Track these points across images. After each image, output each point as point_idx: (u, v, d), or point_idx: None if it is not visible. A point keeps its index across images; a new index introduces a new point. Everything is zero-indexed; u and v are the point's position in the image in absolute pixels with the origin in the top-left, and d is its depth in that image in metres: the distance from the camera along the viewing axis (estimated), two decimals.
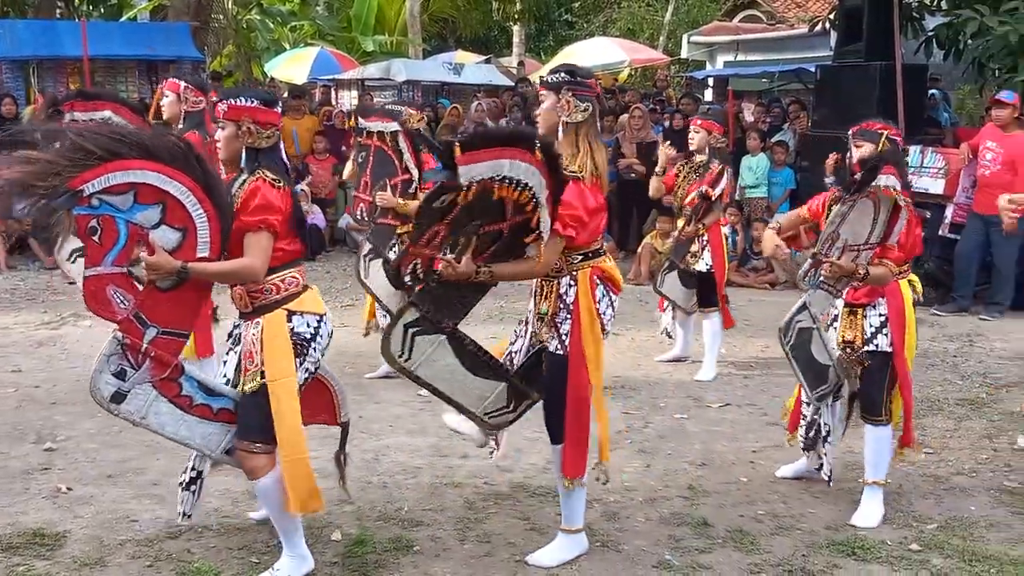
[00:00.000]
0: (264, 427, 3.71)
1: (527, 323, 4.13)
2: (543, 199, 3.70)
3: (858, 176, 4.20)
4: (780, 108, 13.24)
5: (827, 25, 12.67)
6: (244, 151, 3.79)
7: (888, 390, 4.56)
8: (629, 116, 11.90)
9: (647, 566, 4.07)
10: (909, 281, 4.59)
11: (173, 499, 4.16)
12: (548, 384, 4.03)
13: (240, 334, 3.87)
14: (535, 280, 4.06)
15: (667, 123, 12.15)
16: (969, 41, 10.01)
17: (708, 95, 16.77)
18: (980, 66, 10.47)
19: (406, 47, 21.13)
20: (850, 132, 4.71)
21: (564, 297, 3.95)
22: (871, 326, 4.53)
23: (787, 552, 4.20)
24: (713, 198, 6.80)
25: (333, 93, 15.94)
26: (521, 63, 20.84)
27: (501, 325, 7.86)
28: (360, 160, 6.35)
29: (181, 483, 4.00)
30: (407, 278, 3.83)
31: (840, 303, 4.61)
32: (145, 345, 3.60)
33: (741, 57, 19.16)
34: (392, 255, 6.32)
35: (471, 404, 4.03)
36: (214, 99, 4.44)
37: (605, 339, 4.04)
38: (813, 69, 12.69)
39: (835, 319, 4.65)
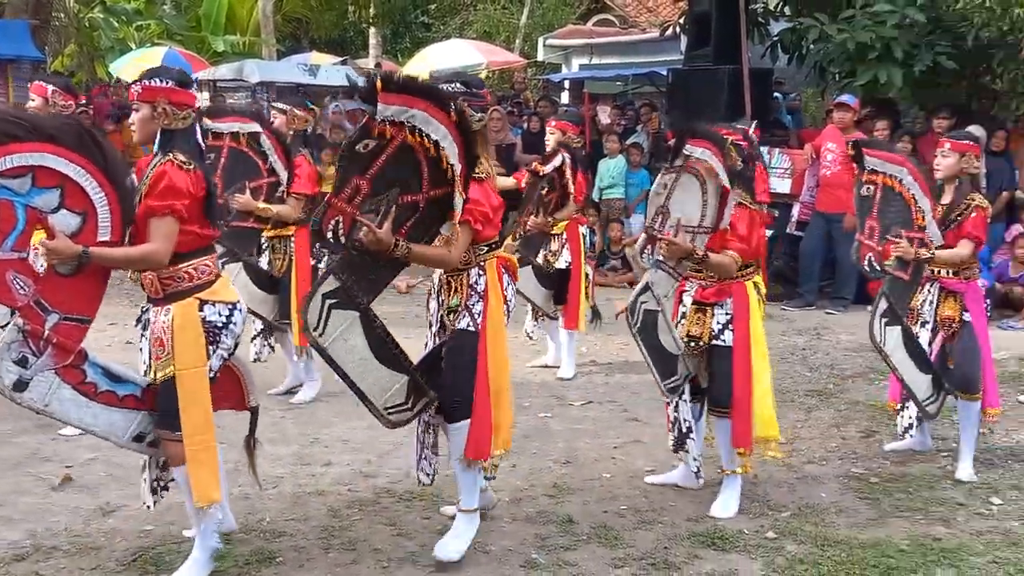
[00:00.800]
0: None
1: (430, 325, 4.21)
2: (458, 171, 3.80)
3: (670, 143, 4.42)
4: (634, 111, 13.55)
5: (677, 30, 13.02)
6: (159, 133, 3.72)
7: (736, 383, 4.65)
8: (488, 118, 11.91)
9: (515, 566, 4.09)
10: (755, 283, 4.69)
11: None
12: (456, 361, 4.06)
13: (149, 320, 3.79)
14: (439, 280, 4.15)
15: (525, 125, 12.27)
16: (811, 46, 10.45)
17: (565, 97, 17.01)
18: (821, 70, 10.95)
19: (259, 47, 20.72)
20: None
21: (475, 286, 4.09)
22: (718, 323, 4.64)
23: (650, 545, 4.29)
24: (542, 174, 6.70)
25: None
26: (378, 64, 20.67)
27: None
28: (209, 162, 6.15)
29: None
30: (329, 234, 3.81)
31: (689, 300, 4.73)
32: (47, 332, 3.53)
33: (596, 60, 19.51)
34: (263, 259, 6.17)
35: (374, 395, 4.02)
36: (83, 103, 4.37)
37: (508, 321, 4.25)
38: (665, 73, 13.02)
39: (683, 316, 4.74)
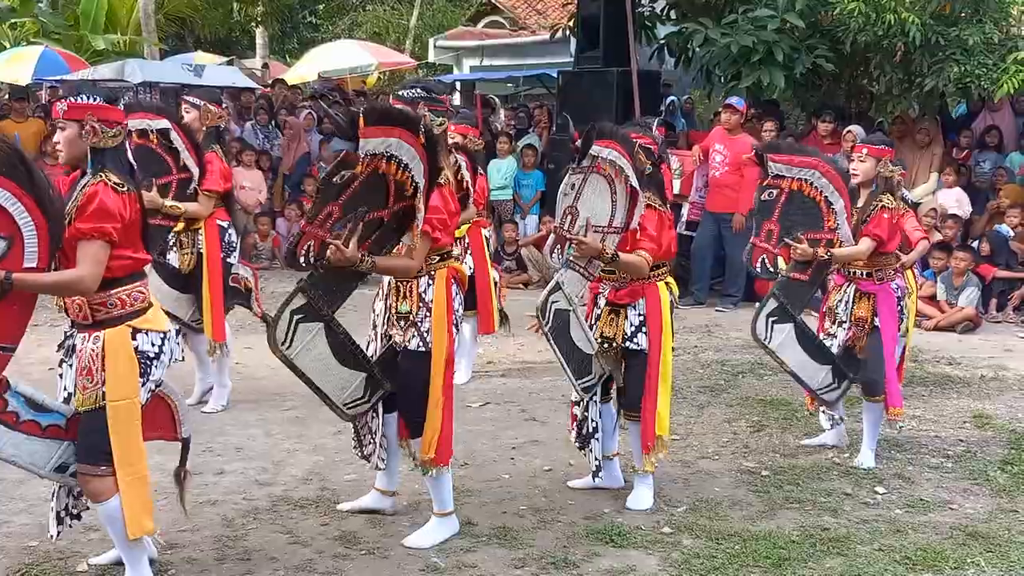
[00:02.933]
0: (109, 449, 3.55)
1: (375, 326, 4.33)
2: (422, 185, 3.96)
3: (577, 143, 4.49)
4: (525, 112, 13.62)
5: (567, 32, 13.15)
6: (89, 152, 3.57)
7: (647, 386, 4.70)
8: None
9: (414, 570, 4.07)
10: (667, 284, 4.76)
11: None
12: (408, 381, 4.21)
13: (74, 345, 3.64)
14: (388, 284, 4.27)
15: None
16: (697, 49, 10.67)
17: (456, 99, 17.01)
18: (708, 73, 11.19)
19: (141, 47, 20.17)
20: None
21: (423, 296, 4.19)
22: (631, 325, 4.69)
23: (549, 544, 4.32)
24: None
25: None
26: (265, 65, 20.36)
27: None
28: None
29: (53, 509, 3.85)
30: (301, 259, 3.95)
31: (603, 301, 4.77)
32: None
33: (487, 62, 19.56)
34: (171, 256, 5.95)
35: (333, 393, 4.20)
36: None
37: (456, 334, 4.41)
38: (555, 74, 13.13)
39: (597, 318, 4.77)
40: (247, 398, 6.37)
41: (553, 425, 5.97)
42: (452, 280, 4.29)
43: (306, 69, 17.67)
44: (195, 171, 5.72)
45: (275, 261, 11.43)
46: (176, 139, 5.65)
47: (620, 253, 4.51)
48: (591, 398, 4.79)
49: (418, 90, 4.33)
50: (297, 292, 4.05)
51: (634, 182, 4.45)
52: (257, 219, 11.53)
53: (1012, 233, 9.62)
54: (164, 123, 5.62)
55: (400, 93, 4.38)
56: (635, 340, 4.69)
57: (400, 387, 4.27)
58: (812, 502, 4.84)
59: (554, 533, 4.45)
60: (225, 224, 6.07)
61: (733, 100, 9.77)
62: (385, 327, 4.29)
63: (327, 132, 12.64)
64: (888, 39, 9.49)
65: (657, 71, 11.89)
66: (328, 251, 3.92)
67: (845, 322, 5.40)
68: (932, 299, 9.14)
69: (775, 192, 5.30)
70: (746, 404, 6.49)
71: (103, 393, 3.56)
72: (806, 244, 5.17)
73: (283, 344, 4.02)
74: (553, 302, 4.57)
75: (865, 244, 5.20)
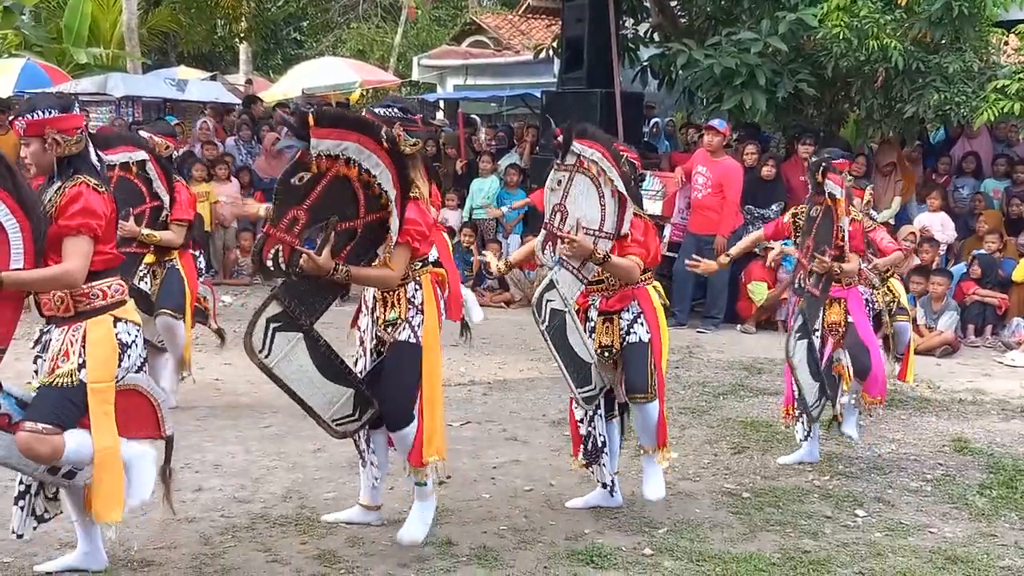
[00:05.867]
0: (59, 413, 3.63)
1: (362, 343, 4.38)
2: (393, 196, 4.01)
3: (560, 139, 4.52)
4: (507, 131, 13.66)
5: (551, 53, 13.20)
6: (55, 162, 3.75)
7: (651, 371, 4.75)
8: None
9: None
10: (655, 287, 4.87)
11: None
12: (399, 371, 4.25)
13: (50, 340, 3.75)
14: (373, 297, 4.32)
15: None
16: (680, 71, 10.74)
17: (440, 118, 17.04)
18: (690, 95, 11.26)
19: (123, 61, 20.11)
20: None
21: (413, 299, 4.30)
22: (626, 322, 4.75)
23: (530, 565, 4.30)
24: None
25: None
26: (249, 80, 20.32)
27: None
28: None
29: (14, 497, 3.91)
30: (269, 263, 3.96)
31: (594, 313, 4.77)
32: None
33: (471, 81, 19.62)
34: (141, 283, 6.14)
35: (321, 409, 4.19)
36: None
37: (441, 333, 4.49)
38: (539, 95, 13.18)
39: (591, 331, 4.78)
40: (226, 415, 6.33)
41: (534, 445, 5.95)
42: (436, 284, 4.44)
43: (289, 85, 17.68)
44: (165, 199, 5.87)
45: (256, 277, 11.37)
46: (151, 169, 5.78)
47: (612, 255, 4.54)
48: (596, 411, 4.79)
49: (395, 110, 4.37)
50: (272, 299, 4.06)
51: (621, 187, 4.49)
52: (239, 235, 11.48)
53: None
54: (143, 155, 5.77)
55: (376, 110, 4.41)
56: (632, 331, 4.74)
57: (387, 376, 4.28)
58: (793, 524, 4.84)
59: (535, 554, 4.42)
60: (197, 253, 6.58)
61: (715, 122, 9.83)
62: (375, 342, 4.33)
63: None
64: (870, 64, 9.57)
65: (640, 93, 11.95)
66: (301, 259, 3.95)
67: (817, 330, 5.49)
68: (912, 323, 9.19)
69: (819, 209, 5.39)
70: (727, 425, 6.49)
71: (74, 372, 3.66)
72: (827, 258, 5.30)
73: (260, 351, 4.02)
74: (548, 300, 4.56)
75: (852, 258, 5.51)
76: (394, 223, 4.05)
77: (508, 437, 6.15)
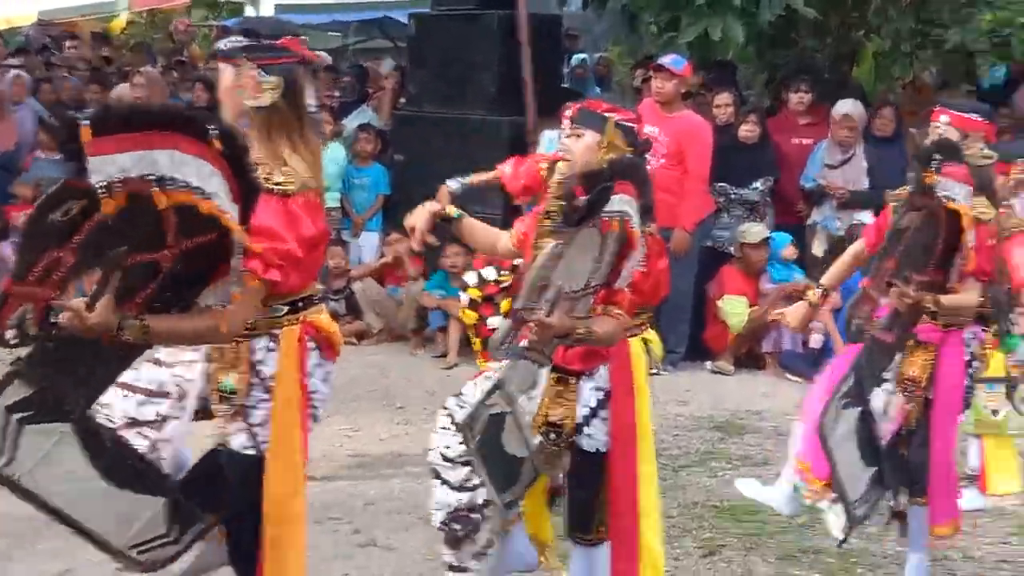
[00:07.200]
0: None
1: (180, 397, 4.30)
2: (234, 212, 3.64)
3: (581, 202, 4.21)
4: (358, 75, 13.61)
5: None
6: None
7: (601, 503, 4.68)
8: (132, 87, 11.77)
9: None
10: (644, 340, 4.76)
11: None
12: (230, 493, 4.14)
13: None
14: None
15: (191, 95, 12.14)
16: None
17: None
18: (631, 18, 11.33)
19: None
20: (567, 115, 4.73)
21: (258, 368, 4.08)
22: (585, 406, 4.63)
23: None
24: None
25: None
26: None
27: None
28: None
29: None
30: (9, 334, 3.69)
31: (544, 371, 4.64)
32: None
33: (299, 0, 19.55)
34: None
35: (111, 533, 3.98)
36: None
37: (312, 429, 4.25)
38: (405, 20, 13.16)
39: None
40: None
41: (403, 551, 5.93)
42: (310, 344, 4.19)
43: (19, 7, 17.36)
44: None
45: None
46: None
47: (594, 325, 4.35)
48: (515, 512, 4.74)
49: (240, 37, 4.12)
50: (8, 380, 3.83)
51: (636, 224, 4.25)
52: None
53: None
54: None
55: (220, 47, 4.20)
56: (587, 431, 4.63)
57: (217, 500, 4.17)
58: None
59: None
60: None
61: (668, 60, 9.78)
62: (200, 404, 4.25)
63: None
64: None
65: (557, 14, 12.04)
66: (62, 315, 3.66)
67: (886, 388, 5.36)
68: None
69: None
70: (693, 514, 6.53)
71: None
72: (911, 288, 5.00)
73: None
74: (488, 407, 4.46)
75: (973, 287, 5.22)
76: (236, 245, 3.72)
77: (363, 542, 6.11)
